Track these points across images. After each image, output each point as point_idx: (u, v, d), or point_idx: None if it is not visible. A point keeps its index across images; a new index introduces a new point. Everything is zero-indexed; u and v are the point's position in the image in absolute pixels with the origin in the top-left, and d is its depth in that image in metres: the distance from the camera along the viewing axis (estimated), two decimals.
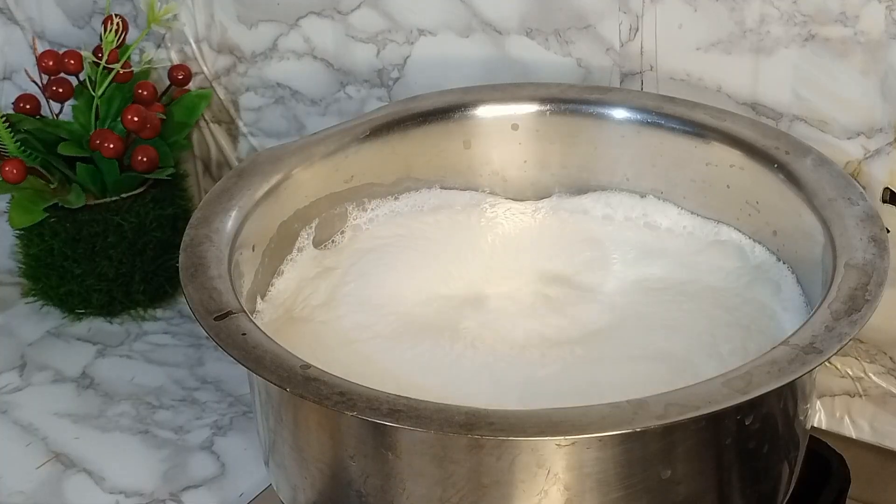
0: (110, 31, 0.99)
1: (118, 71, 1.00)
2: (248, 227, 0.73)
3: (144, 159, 0.98)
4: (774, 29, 0.78)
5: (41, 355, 0.98)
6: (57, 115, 1.03)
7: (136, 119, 0.97)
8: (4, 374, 0.96)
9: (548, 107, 0.84)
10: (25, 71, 1.05)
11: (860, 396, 0.84)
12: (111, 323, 1.01)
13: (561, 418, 0.57)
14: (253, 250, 0.74)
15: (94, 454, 0.87)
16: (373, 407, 0.57)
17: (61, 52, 1.02)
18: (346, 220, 0.82)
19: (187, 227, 0.71)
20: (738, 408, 0.60)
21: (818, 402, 0.85)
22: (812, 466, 0.73)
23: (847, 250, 0.66)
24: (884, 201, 0.78)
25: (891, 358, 0.82)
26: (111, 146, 0.97)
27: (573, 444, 0.58)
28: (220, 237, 0.70)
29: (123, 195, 0.99)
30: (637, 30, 0.84)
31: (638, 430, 0.56)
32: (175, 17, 1.04)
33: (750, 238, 0.78)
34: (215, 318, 0.63)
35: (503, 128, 0.84)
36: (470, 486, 0.60)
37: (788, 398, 0.65)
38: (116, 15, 1.01)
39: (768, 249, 0.77)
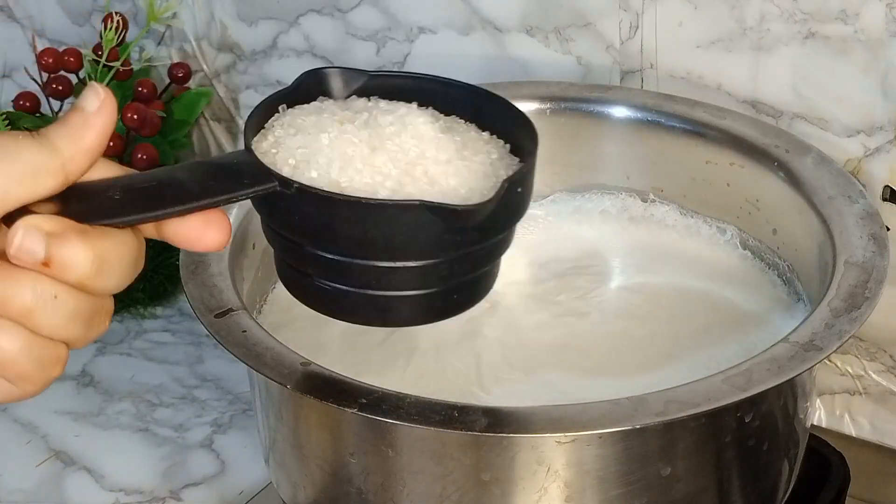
0: (110, 28, 0.99)
1: (118, 69, 1.00)
2: (249, 225, 0.73)
3: (144, 157, 0.98)
4: (774, 27, 0.78)
5: None
6: (57, 113, 1.03)
7: (135, 117, 0.97)
8: None
9: (548, 105, 0.83)
10: (25, 69, 1.05)
11: (860, 394, 0.84)
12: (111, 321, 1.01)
13: (561, 415, 0.57)
14: (253, 248, 0.74)
15: (94, 452, 0.87)
16: (373, 404, 0.57)
17: (61, 49, 1.02)
18: None
19: None
20: (738, 405, 0.60)
21: (818, 400, 0.85)
22: (812, 464, 0.73)
23: (847, 248, 0.66)
24: (884, 199, 0.78)
25: (891, 356, 0.82)
26: (111, 144, 0.96)
27: (573, 440, 0.58)
28: None
29: None
30: (637, 28, 0.84)
31: (638, 427, 0.57)
32: (175, 14, 1.04)
33: (750, 236, 0.78)
34: (216, 316, 0.63)
35: None
36: (470, 482, 0.60)
37: (788, 396, 0.65)
38: (116, 13, 1.01)
39: (768, 247, 0.77)
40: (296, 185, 0.47)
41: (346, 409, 0.57)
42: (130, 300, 1.01)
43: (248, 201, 0.50)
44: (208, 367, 0.95)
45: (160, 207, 0.47)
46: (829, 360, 0.84)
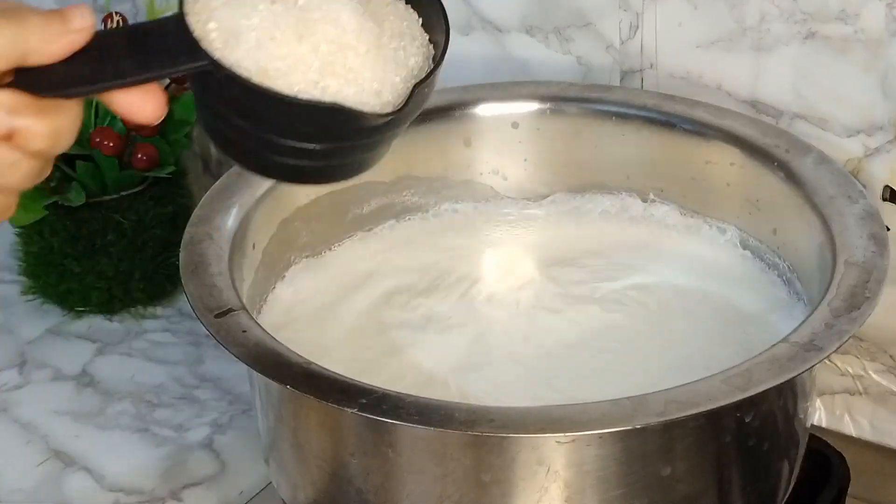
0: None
1: None
2: (249, 225, 0.73)
3: (144, 157, 0.98)
4: (774, 27, 0.78)
5: (41, 353, 0.98)
6: None
7: None
8: (4, 371, 0.96)
9: (548, 105, 0.84)
10: None
11: (860, 394, 0.84)
12: (111, 321, 1.01)
13: (561, 415, 0.57)
14: (253, 248, 0.74)
15: (94, 452, 0.87)
16: (373, 404, 0.57)
17: None
18: (346, 219, 0.82)
19: (188, 225, 0.71)
20: (738, 405, 0.60)
21: (818, 400, 0.85)
22: (812, 464, 0.73)
23: (847, 248, 0.66)
24: (884, 199, 0.78)
25: (891, 356, 0.82)
26: (111, 144, 0.96)
27: (573, 441, 0.58)
28: (221, 235, 0.71)
29: (123, 193, 0.99)
30: (637, 27, 0.84)
31: (638, 427, 0.57)
32: None
33: (750, 236, 0.78)
34: (216, 316, 0.63)
35: (503, 126, 0.84)
36: (470, 483, 0.60)
37: (788, 396, 0.65)
38: (116, 13, 1.01)
39: (768, 247, 0.77)
40: (225, 71, 0.50)
41: (346, 409, 0.57)
42: (130, 300, 1.01)
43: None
44: (208, 367, 0.95)
45: (102, 81, 0.51)
46: (829, 360, 0.84)
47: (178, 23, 0.51)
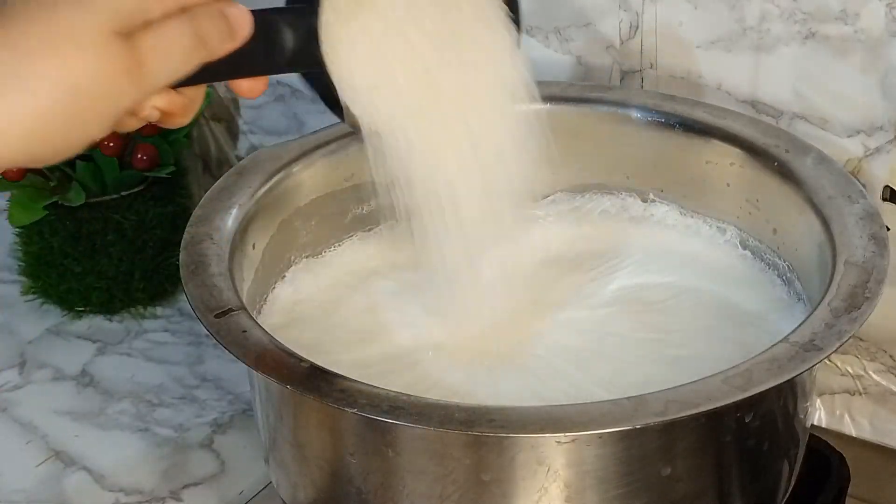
0: None
1: None
2: (249, 225, 0.73)
3: (144, 157, 0.98)
4: (775, 27, 0.78)
5: (41, 353, 0.98)
6: None
7: None
8: (4, 371, 0.96)
9: (548, 105, 0.83)
10: None
11: (860, 394, 0.84)
12: (111, 321, 1.01)
13: (561, 415, 0.57)
14: (253, 248, 0.74)
15: (94, 452, 0.87)
16: (373, 404, 0.57)
17: None
18: (346, 219, 0.82)
19: (188, 225, 0.71)
20: (738, 405, 0.60)
21: (818, 400, 0.85)
22: (812, 464, 0.73)
23: (847, 248, 0.66)
24: (884, 199, 0.78)
25: (891, 356, 0.82)
26: (110, 144, 0.96)
27: (573, 441, 0.58)
28: (221, 235, 0.71)
29: (123, 193, 0.99)
30: (637, 27, 0.84)
31: (638, 426, 0.57)
32: None
33: (750, 236, 0.78)
34: (216, 316, 0.63)
35: None
36: (470, 483, 0.60)
37: (788, 396, 0.65)
38: None
39: (768, 247, 0.77)
40: (332, 82, 0.58)
41: (346, 409, 0.57)
42: (130, 300, 1.01)
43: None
44: (208, 367, 0.95)
45: (233, 75, 0.57)
46: (829, 360, 0.84)
47: (310, 26, 0.57)
